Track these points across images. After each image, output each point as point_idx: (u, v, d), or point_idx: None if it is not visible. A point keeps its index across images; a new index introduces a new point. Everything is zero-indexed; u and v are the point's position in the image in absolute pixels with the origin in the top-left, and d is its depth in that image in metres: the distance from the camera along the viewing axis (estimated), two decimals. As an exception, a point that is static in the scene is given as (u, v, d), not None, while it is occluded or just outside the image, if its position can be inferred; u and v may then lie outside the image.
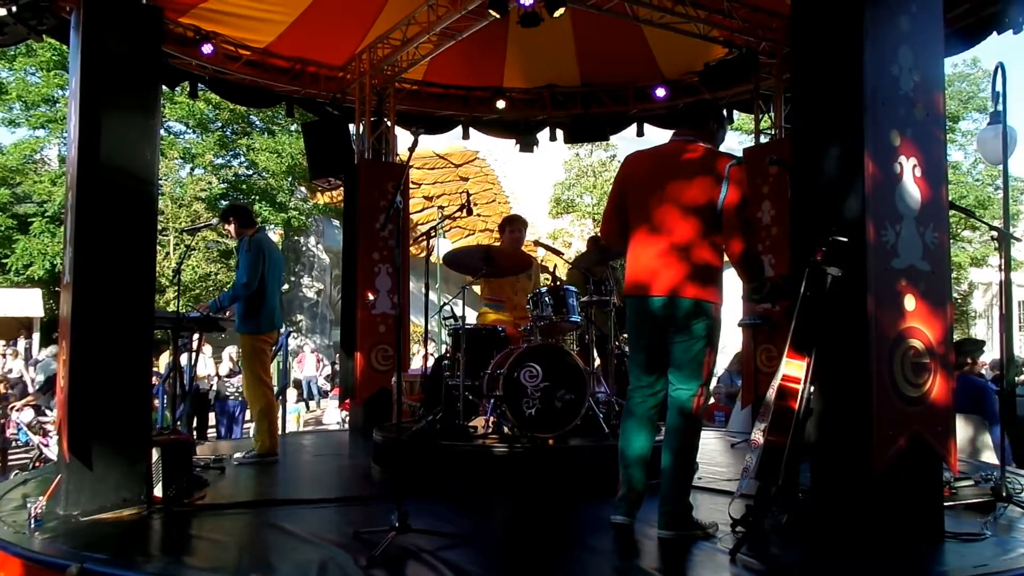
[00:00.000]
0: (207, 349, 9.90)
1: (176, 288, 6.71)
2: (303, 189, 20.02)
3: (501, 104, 8.34)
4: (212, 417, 10.34)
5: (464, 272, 5.53)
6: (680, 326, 3.29)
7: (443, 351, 10.04)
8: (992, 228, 4.25)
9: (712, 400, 9.55)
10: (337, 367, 14.71)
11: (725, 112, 8.16)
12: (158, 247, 9.29)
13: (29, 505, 3.55)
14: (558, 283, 5.04)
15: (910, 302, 3.20)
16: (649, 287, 3.32)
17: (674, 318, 3.29)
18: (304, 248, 22.59)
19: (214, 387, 10.04)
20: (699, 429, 3.42)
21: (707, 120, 3.53)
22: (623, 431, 3.48)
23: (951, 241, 3.66)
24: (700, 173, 3.31)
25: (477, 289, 5.97)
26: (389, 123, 7.94)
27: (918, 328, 3.20)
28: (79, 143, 3.87)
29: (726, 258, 3.38)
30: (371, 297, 7.32)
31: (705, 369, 3.34)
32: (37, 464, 7.95)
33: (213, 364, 10.50)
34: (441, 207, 17.49)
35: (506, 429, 4.63)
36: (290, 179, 19.43)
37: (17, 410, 8.75)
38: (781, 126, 7.11)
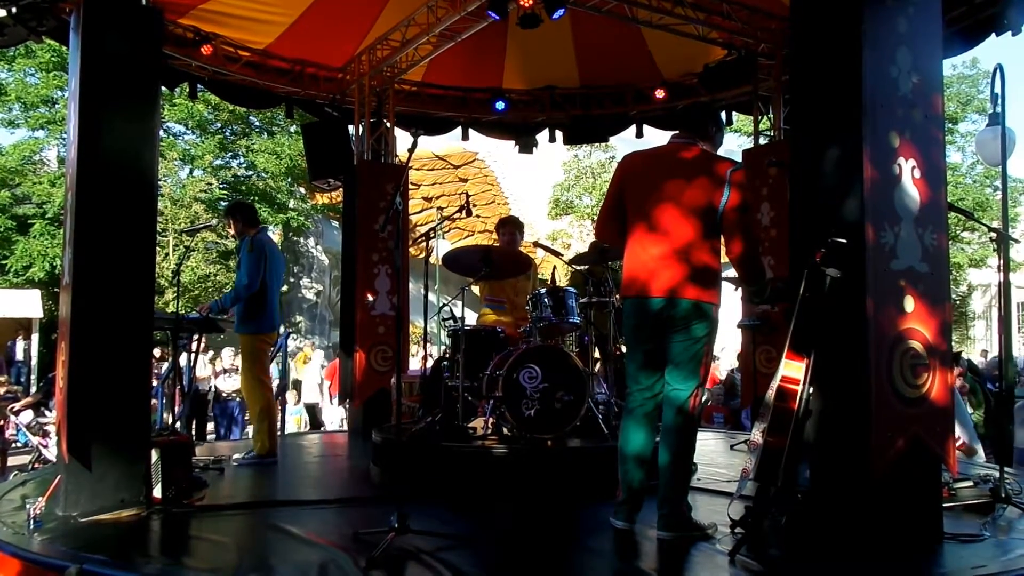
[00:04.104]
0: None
1: (175, 289, 6.70)
2: (302, 190, 20.00)
3: (500, 105, 8.35)
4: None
5: (463, 273, 5.53)
6: (679, 326, 3.30)
7: (442, 352, 10.04)
8: (991, 229, 4.25)
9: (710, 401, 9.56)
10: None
11: (724, 114, 8.20)
12: (157, 248, 9.26)
13: (28, 506, 3.55)
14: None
15: (909, 303, 3.20)
16: (648, 288, 3.32)
17: (674, 318, 3.29)
18: (303, 249, 22.55)
19: (212, 387, 10.05)
20: (696, 428, 3.44)
21: (706, 123, 3.55)
22: (622, 430, 3.50)
23: (950, 242, 3.67)
24: (700, 174, 3.33)
25: (476, 290, 5.97)
26: (388, 124, 7.96)
27: (917, 329, 3.21)
28: (78, 144, 3.87)
29: (724, 259, 3.39)
30: (370, 298, 7.33)
31: (703, 369, 3.36)
32: (36, 465, 7.93)
33: (211, 366, 10.50)
34: (440, 208, 17.45)
35: (505, 430, 4.63)
36: (289, 180, 19.41)
37: (15, 412, 8.74)
38: (780, 127, 7.13)
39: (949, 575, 2.98)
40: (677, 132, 3.58)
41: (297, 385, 12.44)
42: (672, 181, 3.35)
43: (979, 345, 22.12)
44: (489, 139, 9.57)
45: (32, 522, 3.42)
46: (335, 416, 11.83)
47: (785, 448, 3.06)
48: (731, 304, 5.64)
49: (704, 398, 3.46)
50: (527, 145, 8.85)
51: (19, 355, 15.14)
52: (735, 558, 2.96)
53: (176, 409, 6.24)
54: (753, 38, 6.87)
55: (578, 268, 5.83)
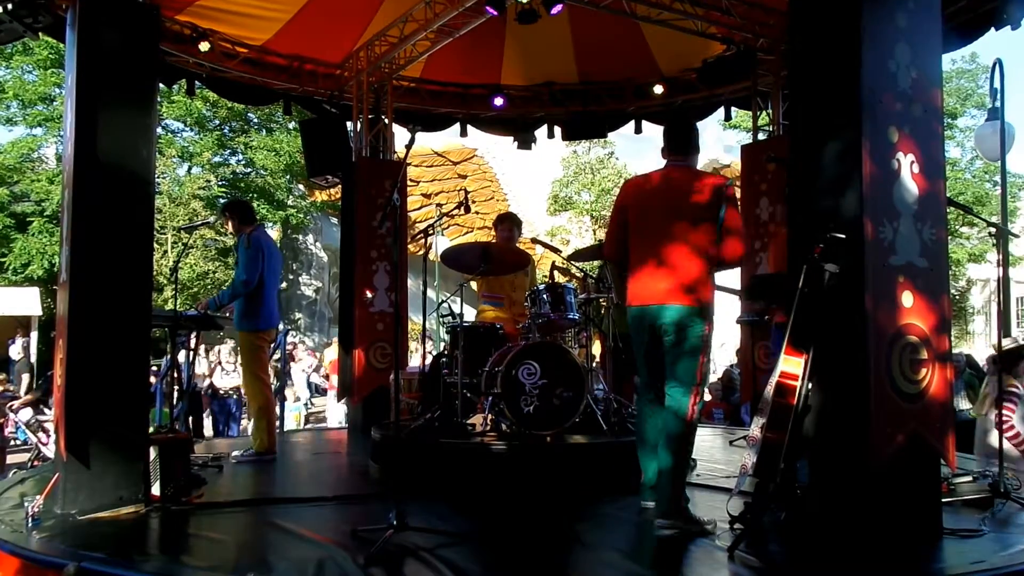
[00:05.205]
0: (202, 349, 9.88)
1: (174, 286, 6.72)
2: (301, 187, 19.99)
3: (499, 101, 8.33)
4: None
5: (462, 270, 5.53)
6: (678, 331, 3.43)
7: (441, 349, 10.04)
8: (990, 224, 4.26)
9: (709, 397, 9.57)
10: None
11: (723, 109, 8.27)
12: (156, 245, 9.26)
13: (27, 504, 3.55)
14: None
15: (908, 299, 3.20)
16: (649, 298, 3.50)
17: (672, 324, 3.43)
18: (302, 246, 22.55)
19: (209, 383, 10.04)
20: (694, 429, 3.53)
21: (688, 139, 3.69)
22: (640, 458, 3.70)
23: (949, 237, 3.66)
24: (696, 200, 3.49)
25: (475, 286, 5.96)
26: (387, 121, 7.93)
27: (916, 324, 3.21)
28: (75, 141, 3.86)
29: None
30: (369, 295, 7.31)
31: (699, 372, 3.46)
32: (35, 463, 7.93)
33: (207, 364, 10.48)
34: (439, 205, 17.44)
35: (504, 427, 4.63)
36: (288, 177, 19.39)
37: (15, 409, 8.74)
38: (779, 123, 7.11)
39: (948, 570, 2.98)
40: (670, 158, 3.68)
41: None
42: (670, 205, 3.53)
43: (979, 341, 22.13)
44: (488, 135, 9.54)
45: (31, 520, 3.42)
46: (340, 413, 11.80)
47: (784, 444, 3.06)
48: (731, 301, 5.64)
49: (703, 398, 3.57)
50: (525, 141, 8.82)
51: (18, 353, 15.12)
52: (734, 554, 2.96)
53: (174, 406, 6.23)
54: (752, 33, 6.85)
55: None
